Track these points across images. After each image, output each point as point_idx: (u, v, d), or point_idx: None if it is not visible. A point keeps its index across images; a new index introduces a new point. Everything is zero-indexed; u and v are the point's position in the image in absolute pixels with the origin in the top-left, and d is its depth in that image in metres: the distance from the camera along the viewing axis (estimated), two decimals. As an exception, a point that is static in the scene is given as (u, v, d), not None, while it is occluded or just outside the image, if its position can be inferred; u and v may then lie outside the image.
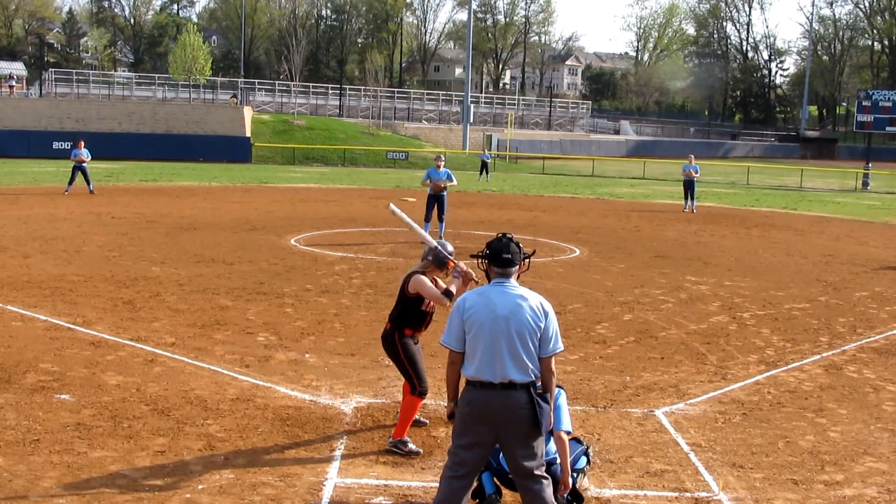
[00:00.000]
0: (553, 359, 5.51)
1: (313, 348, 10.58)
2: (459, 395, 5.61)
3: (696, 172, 31.07)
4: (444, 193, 20.35)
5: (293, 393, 8.82)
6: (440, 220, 20.24)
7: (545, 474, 5.50)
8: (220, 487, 6.51)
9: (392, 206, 7.68)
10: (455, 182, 20.72)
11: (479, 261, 5.77)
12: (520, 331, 5.40)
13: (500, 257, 5.62)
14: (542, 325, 5.44)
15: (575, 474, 6.37)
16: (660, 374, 10.00)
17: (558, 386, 6.40)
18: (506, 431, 5.39)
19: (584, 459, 6.59)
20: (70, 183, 29.42)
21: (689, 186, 31.08)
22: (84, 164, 29.43)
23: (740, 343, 11.60)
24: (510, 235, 5.79)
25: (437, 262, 7.43)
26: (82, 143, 30.26)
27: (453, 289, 7.18)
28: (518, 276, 5.72)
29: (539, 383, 5.47)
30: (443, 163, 20.76)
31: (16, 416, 7.81)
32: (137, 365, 9.57)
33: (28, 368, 9.25)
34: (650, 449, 7.62)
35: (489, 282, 5.66)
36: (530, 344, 5.41)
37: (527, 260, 5.88)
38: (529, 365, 5.39)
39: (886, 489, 6.95)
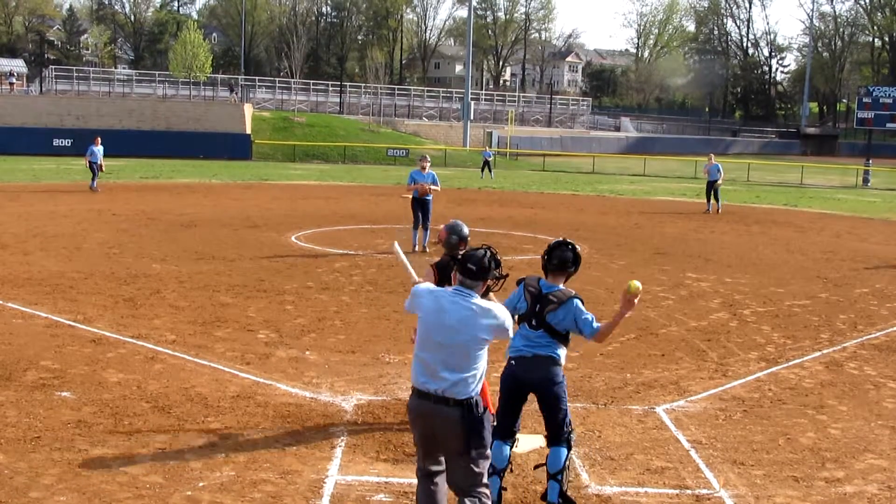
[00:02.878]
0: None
1: (314, 345, 10.58)
2: None
3: (719, 173, 29.36)
4: (429, 198, 18.52)
5: (294, 390, 8.82)
6: (424, 227, 18.45)
7: (482, 492, 5.27)
8: (221, 485, 6.52)
9: (396, 245, 7.69)
10: (439, 188, 18.95)
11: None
12: (463, 344, 5.12)
13: (465, 265, 5.24)
14: (492, 337, 5.20)
15: (559, 476, 6.29)
16: (660, 371, 10.00)
17: (575, 296, 6.28)
18: (441, 444, 5.23)
19: (562, 454, 6.35)
20: (93, 179, 29.68)
21: (709, 186, 29.67)
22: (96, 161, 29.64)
23: (741, 340, 11.59)
24: (494, 250, 5.37)
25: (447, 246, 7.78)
26: (98, 139, 30.38)
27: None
28: (486, 294, 5.57)
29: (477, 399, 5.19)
30: (428, 164, 18.85)
31: (16, 414, 7.81)
32: (138, 362, 9.57)
33: (29, 366, 9.25)
34: (651, 446, 7.62)
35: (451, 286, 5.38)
36: (472, 359, 5.15)
37: (501, 280, 5.46)
38: (469, 383, 5.13)
39: (887, 486, 6.95)
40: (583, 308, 6.29)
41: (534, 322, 6.31)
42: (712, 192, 29.61)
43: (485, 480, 5.30)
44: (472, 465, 5.20)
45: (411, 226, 18.67)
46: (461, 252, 6.63)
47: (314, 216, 24.34)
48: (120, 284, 13.82)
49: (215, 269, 15.44)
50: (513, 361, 6.36)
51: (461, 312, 5.14)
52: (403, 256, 7.36)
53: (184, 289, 13.66)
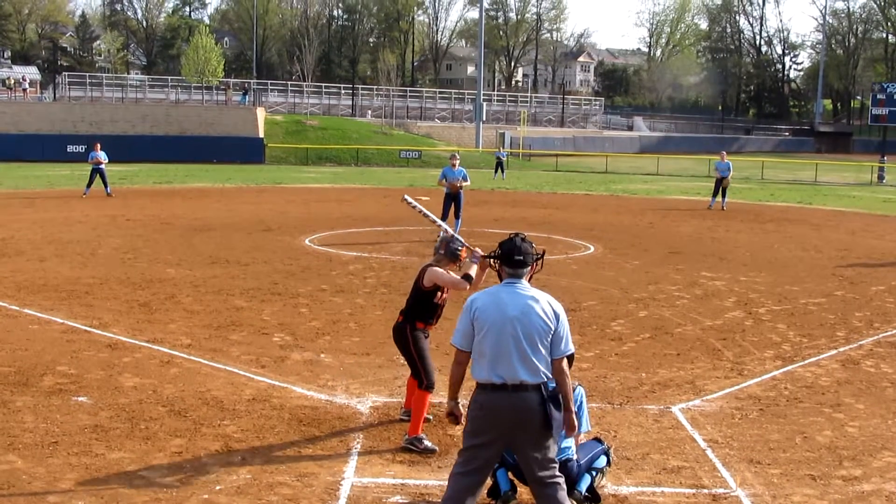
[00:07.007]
0: (565, 360, 5.45)
1: (329, 348, 10.59)
2: (470, 397, 5.54)
3: (720, 171, 29.84)
4: (461, 192, 20.35)
5: (309, 393, 8.84)
6: (457, 216, 20.16)
7: (558, 479, 5.46)
8: (238, 488, 6.54)
9: (407, 196, 7.78)
10: (469, 182, 20.71)
11: (492, 261, 5.69)
12: (529, 332, 5.34)
13: (513, 258, 5.52)
14: (553, 327, 5.39)
15: (594, 472, 6.40)
16: (676, 370, 9.97)
17: (577, 385, 6.43)
18: (518, 434, 5.37)
19: (603, 459, 6.61)
20: (88, 186, 29.49)
21: (718, 183, 30.12)
22: (101, 167, 29.55)
23: (756, 338, 11.55)
24: (523, 235, 5.69)
25: (449, 254, 7.52)
26: (98, 145, 30.38)
27: (472, 273, 7.26)
28: (531, 277, 5.67)
29: (552, 385, 5.43)
30: (458, 161, 20.83)
31: (34, 419, 7.86)
32: (154, 366, 9.61)
33: (45, 371, 9.30)
34: (667, 446, 7.60)
35: (500, 282, 5.59)
36: (540, 346, 5.36)
37: (539, 260, 5.79)
38: (540, 367, 5.34)
39: (905, 484, 6.91)
40: None
41: None
42: (721, 190, 30.12)
43: (558, 469, 5.51)
44: (548, 453, 5.39)
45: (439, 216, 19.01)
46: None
47: (327, 219, 24.38)
48: (135, 289, 13.87)
49: (230, 273, 15.48)
50: None
51: (521, 301, 5.40)
52: (420, 206, 7.51)
53: (198, 293, 13.70)
